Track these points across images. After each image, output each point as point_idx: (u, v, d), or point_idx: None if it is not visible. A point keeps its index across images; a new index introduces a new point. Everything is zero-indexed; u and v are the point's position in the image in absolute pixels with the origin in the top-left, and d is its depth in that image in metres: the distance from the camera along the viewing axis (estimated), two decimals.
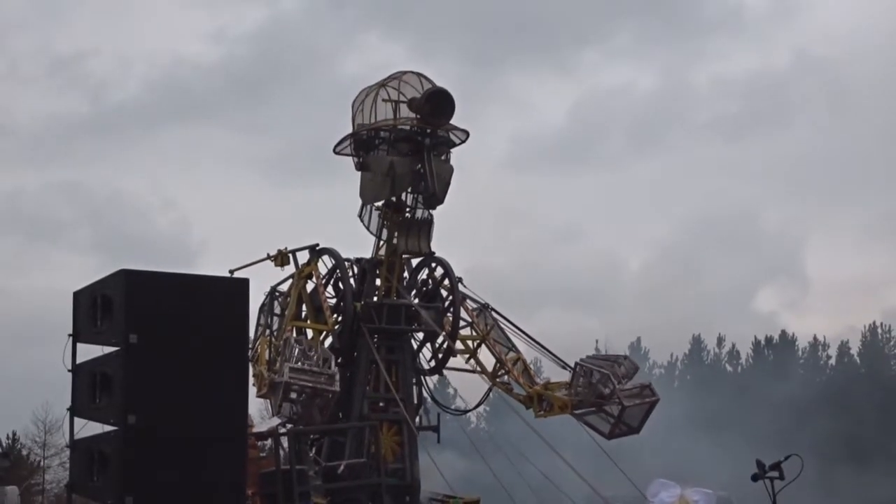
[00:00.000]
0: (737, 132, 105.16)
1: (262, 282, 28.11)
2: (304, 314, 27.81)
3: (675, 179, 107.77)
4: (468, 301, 28.65)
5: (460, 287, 28.35)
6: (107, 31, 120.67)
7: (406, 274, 28.49)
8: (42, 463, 64.59)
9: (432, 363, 28.55)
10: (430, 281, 28.75)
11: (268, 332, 27.90)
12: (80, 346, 12.87)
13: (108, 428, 12.35)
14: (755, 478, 13.00)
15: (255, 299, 28.05)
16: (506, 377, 28.00)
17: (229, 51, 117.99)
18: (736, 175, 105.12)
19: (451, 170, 27.53)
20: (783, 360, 75.00)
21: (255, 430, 24.10)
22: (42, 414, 63.01)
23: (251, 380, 24.67)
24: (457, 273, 28.41)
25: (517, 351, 28.60)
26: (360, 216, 28.08)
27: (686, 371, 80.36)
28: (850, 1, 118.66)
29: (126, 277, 12.38)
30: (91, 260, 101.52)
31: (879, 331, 79.09)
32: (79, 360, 12.84)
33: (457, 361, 28.36)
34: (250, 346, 26.10)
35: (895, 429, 60.53)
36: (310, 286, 27.83)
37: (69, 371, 12.84)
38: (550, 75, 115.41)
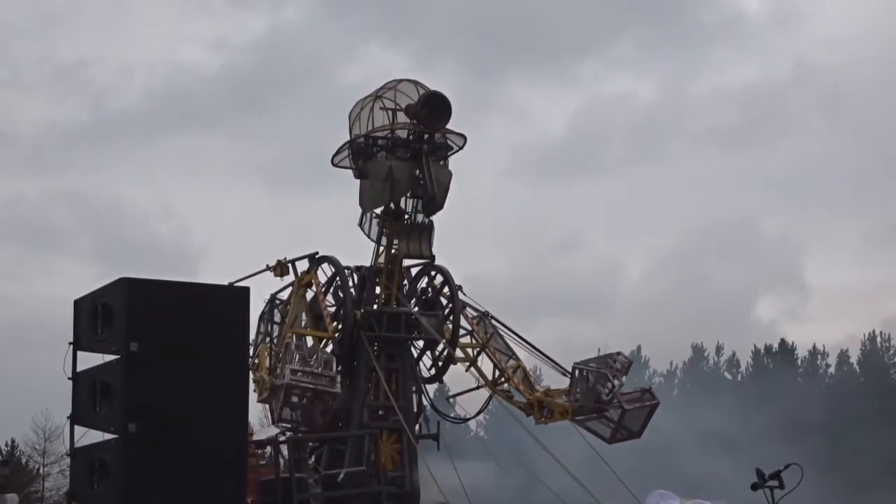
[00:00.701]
0: (736, 141, 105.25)
1: (262, 290, 28.15)
2: (304, 322, 27.82)
3: (675, 188, 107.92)
4: (468, 309, 28.66)
5: (460, 295, 28.35)
6: (108, 40, 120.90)
7: (406, 282, 28.51)
8: (42, 471, 64.61)
9: (432, 371, 28.57)
10: (429, 289, 28.75)
11: (268, 339, 27.92)
12: (80, 354, 12.89)
13: (109, 436, 12.37)
14: (755, 487, 12.98)
15: (255, 308, 28.06)
16: (506, 385, 28.03)
17: (230, 59, 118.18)
18: (736, 184, 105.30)
19: (450, 174, 27.59)
20: (782, 368, 74.92)
21: (254, 437, 24.13)
22: (42, 421, 63.06)
23: (251, 386, 24.68)
24: (457, 281, 28.43)
25: (517, 359, 28.60)
26: (360, 225, 28.13)
27: (686, 380, 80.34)
28: (849, 9, 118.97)
29: (127, 286, 12.41)
30: (91, 268, 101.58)
31: (879, 339, 79.06)
32: (79, 369, 12.86)
33: (458, 374, 28.36)
34: (250, 354, 26.11)
35: (894, 438, 60.43)
36: (309, 294, 27.85)
37: (69, 379, 12.85)
38: (551, 85, 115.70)
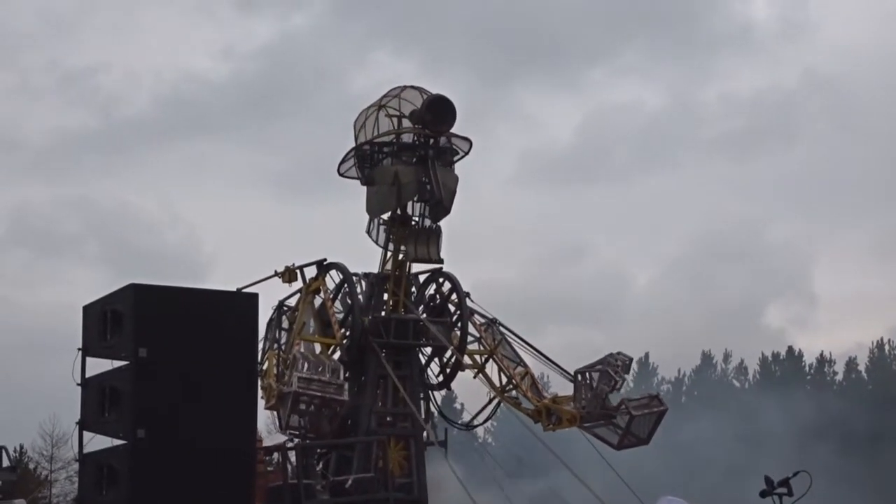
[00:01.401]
0: (744, 149, 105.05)
1: (271, 297, 28.13)
2: (312, 329, 27.81)
3: (682, 196, 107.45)
4: (476, 316, 28.63)
5: (468, 302, 28.33)
6: (116, 47, 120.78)
7: (414, 289, 28.50)
8: (49, 476, 64.57)
9: (440, 378, 28.55)
10: (437, 296, 28.73)
11: (276, 346, 27.91)
12: (89, 360, 12.89)
13: (118, 442, 12.37)
14: (763, 494, 12.93)
15: (263, 314, 28.04)
16: (514, 392, 28.01)
17: (238, 67, 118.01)
18: (743, 192, 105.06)
19: (456, 179, 27.58)
20: (790, 376, 74.81)
21: (262, 444, 24.10)
22: (50, 427, 63.06)
23: (259, 392, 24.67)
24: (464, 288, 28.41)
25: (525, 365, 28.59)
26: (367, 232, 28.13)
27: (693, 387, 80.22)
28: (858, 19, 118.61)
29: (135, 292, 12.42)
30: (100, 274, 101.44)
31: (887, 347, 78.94)
32: (88, 374, 12.87)
33: (466, 381, 28.32)
34: (258, 360, 26.11)
35: None
36: (318, 301, 27.85)
37: (78, 385, 12.86)
38: (559, 92, 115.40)
